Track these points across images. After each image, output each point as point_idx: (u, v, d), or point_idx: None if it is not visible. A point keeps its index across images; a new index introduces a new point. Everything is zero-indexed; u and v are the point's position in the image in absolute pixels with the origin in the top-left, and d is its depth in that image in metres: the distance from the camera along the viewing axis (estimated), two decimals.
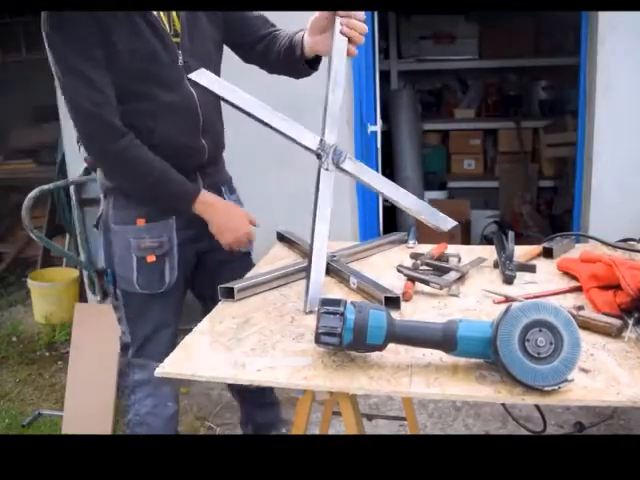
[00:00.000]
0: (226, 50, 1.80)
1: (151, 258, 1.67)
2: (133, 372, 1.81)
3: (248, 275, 1.56)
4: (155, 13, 1.54)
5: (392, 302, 1.33)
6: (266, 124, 1.38)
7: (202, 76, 1.37)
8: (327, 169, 1.40)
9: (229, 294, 1.43)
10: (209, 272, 1.84)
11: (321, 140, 1.40)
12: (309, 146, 1.41)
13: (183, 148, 1.66)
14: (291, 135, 1.40)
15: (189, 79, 1.41)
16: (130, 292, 1.72)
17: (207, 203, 1.68)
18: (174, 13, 1.59)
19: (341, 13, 1.39)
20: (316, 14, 1.48)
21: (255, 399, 2.10)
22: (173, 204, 1.67)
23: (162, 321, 1.76)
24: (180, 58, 1.60)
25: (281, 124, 1.39)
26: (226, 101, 1.39)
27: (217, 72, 1.72)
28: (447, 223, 1.45)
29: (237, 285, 1.44)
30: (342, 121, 2.84)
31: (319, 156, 1.40)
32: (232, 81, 1.39)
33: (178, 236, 1.70)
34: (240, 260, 1.81)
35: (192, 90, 1.63)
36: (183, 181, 1.64)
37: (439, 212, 1.46)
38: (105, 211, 1.74)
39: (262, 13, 1.78)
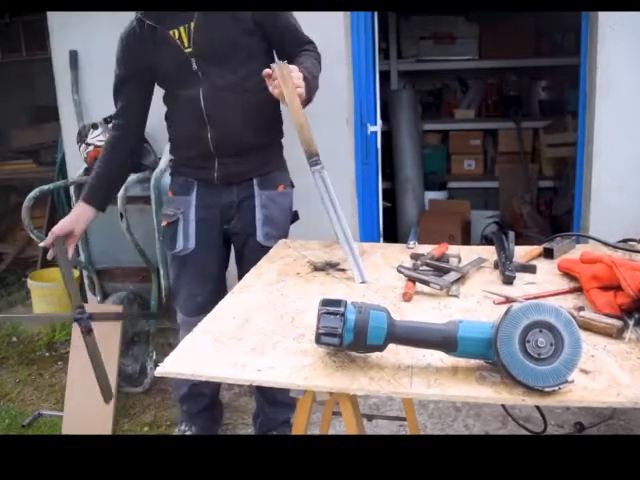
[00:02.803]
0: None
1: (164, 223, 2.10)
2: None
3: None
4: (171, 31, 1.89)
5: None
6: None
7: None
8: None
9: None
10: (237, 251, 2.16)
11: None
12: None
13: (188, 138, 2.01)
14: None
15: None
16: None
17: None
18: (190, 28, 1.89)
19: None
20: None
21: (270, 396, 2.22)
22: None
23: (184, 281, 2.13)
24: (194, 64, 1.91)
25: None
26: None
27: (240, 66, 1.93)
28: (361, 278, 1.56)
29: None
30: (341, 121, 2.85)
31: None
32: None
33: (197, 212, 2.05)
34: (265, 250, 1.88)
35: (199, 88, 1.92)
36: (88, 185, 2.05)
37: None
38: None
39: (299, 30, 2.01)
